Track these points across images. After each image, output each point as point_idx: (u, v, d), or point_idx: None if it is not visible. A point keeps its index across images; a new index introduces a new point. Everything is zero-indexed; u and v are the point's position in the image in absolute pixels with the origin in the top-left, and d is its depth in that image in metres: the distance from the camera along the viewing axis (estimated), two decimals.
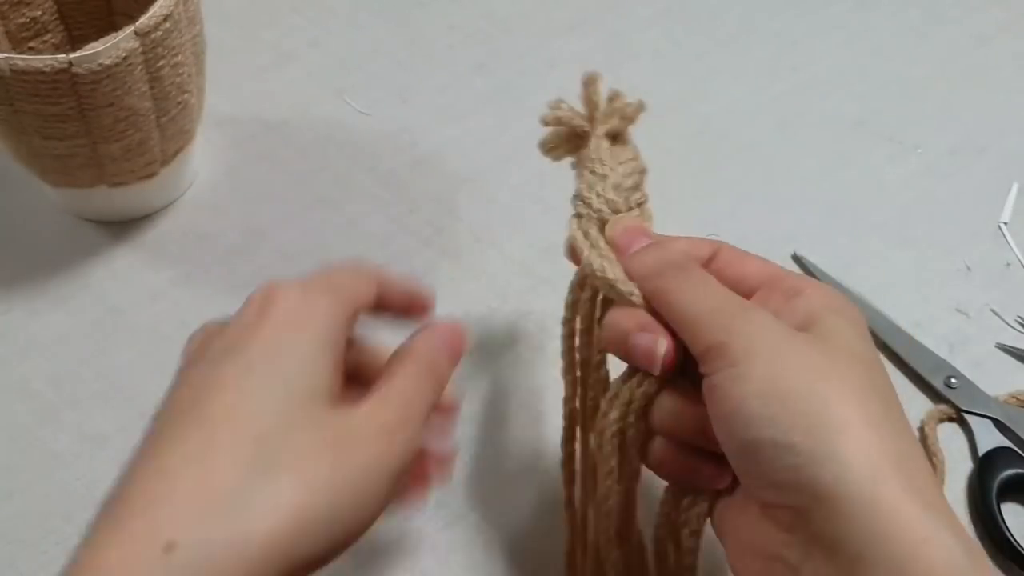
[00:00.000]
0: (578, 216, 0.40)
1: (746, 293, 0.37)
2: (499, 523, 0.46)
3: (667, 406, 0.36)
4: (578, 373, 0.41)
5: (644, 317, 0.36)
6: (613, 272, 0.38)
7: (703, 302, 0.35)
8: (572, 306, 0.40)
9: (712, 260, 0.39)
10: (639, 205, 0.41)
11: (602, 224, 0.40)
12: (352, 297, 0.36)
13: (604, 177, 0.41)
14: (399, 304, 0.40)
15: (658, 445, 0.37)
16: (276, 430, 0.31)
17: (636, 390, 0.36)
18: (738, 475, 0.34)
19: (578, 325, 0.40)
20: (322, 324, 0.34)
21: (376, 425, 0.33)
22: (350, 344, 0.36)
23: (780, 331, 0.34)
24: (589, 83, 0.44)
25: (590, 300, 0.39)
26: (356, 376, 0.37)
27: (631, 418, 0.37)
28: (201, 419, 0.31)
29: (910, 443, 0.32)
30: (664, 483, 0.38)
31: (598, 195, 0.40)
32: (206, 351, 0.35)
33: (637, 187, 0.41)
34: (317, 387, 0.33)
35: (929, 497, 0.31)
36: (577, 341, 0.41)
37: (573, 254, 0.40)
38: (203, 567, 0.28)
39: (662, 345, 0.35)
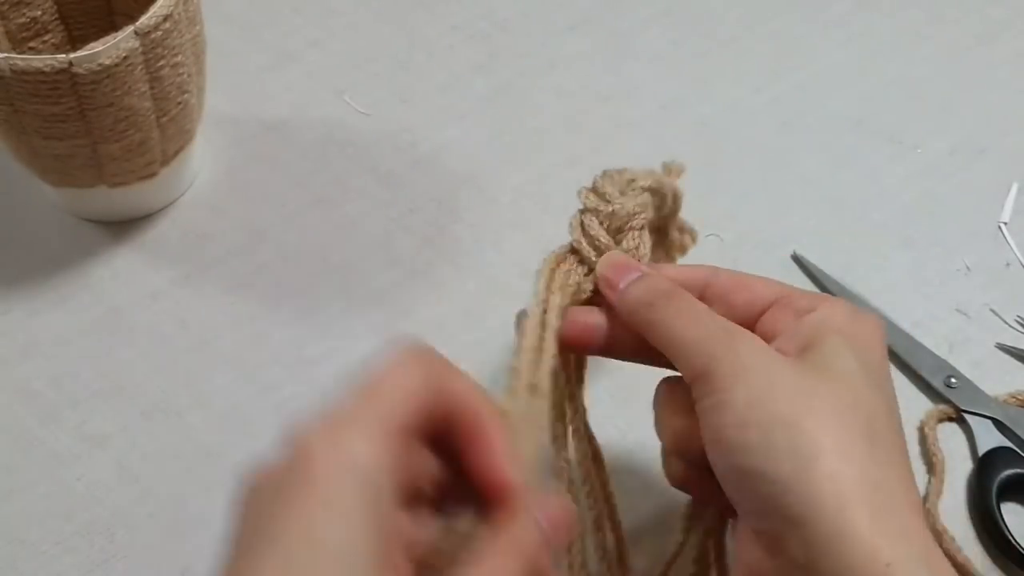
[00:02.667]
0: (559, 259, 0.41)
1: (757, 314, 0.37)
2: None
3: (673, 424, 0.37)
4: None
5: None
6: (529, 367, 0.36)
7: (691, 329, 0.35)
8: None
9: (708, 286, 0.39)
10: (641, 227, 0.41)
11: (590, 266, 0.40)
12: (397, 416, 0.30)
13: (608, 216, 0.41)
14: (463, 434, 0.32)
15: (674, 464, 0.38)
16: None
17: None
18: (728, 499, 0.35)
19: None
20: (357, 482, 0.28)
21: None
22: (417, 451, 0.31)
23: (766, 357, 0.34)
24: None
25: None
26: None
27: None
28: None
29: (888, 471, 0.33)
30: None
31: (593, 240, 0.40)
32: (253, 504, 0.29)
33: (639, 213, 0.41)
34: (361, 569, 0.28)
35: (901, 524, 0.32)
36: None
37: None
38: None
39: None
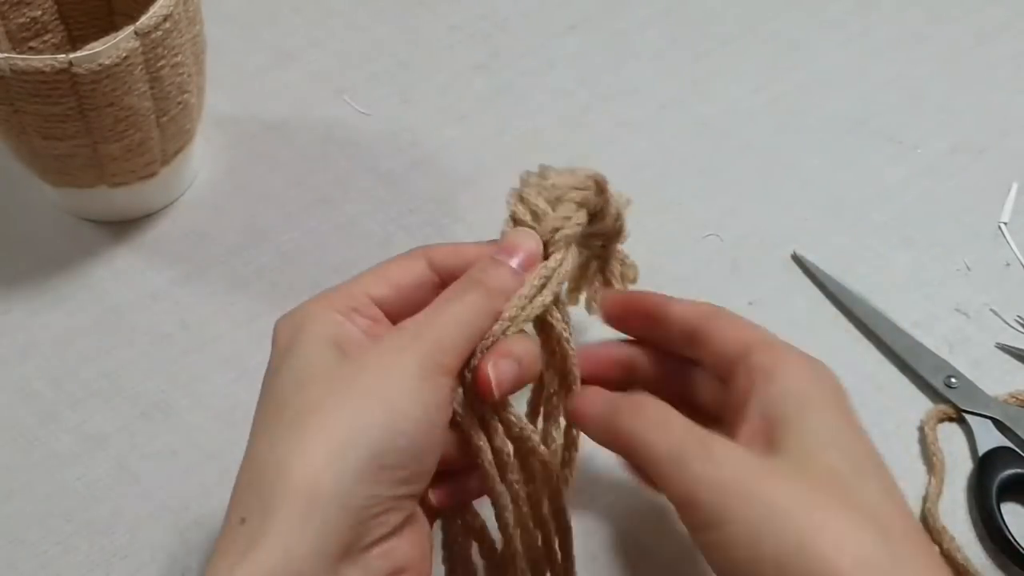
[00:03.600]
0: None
1: (731, 361, 0.37)
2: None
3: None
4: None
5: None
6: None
7: (661, 444, 0.34)
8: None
9: (706, 322, 0.39)
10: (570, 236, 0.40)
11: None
12: (346, 291, 0.38)
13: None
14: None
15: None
16: (295, 401, 0.34)
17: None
18: None
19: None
20: (316, 325, 0.36)
21: (391, 345, 0.35)
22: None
23: (748, 471, 0.33)
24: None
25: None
26: None
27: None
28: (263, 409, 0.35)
29: (901, 547, 0.32)
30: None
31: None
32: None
33: (569, 217, 0.40)
34: (323, 360, 0.35)
35: None
36: None
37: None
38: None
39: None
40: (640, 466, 0.35)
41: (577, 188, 0.40)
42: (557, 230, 0.39)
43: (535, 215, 0.39)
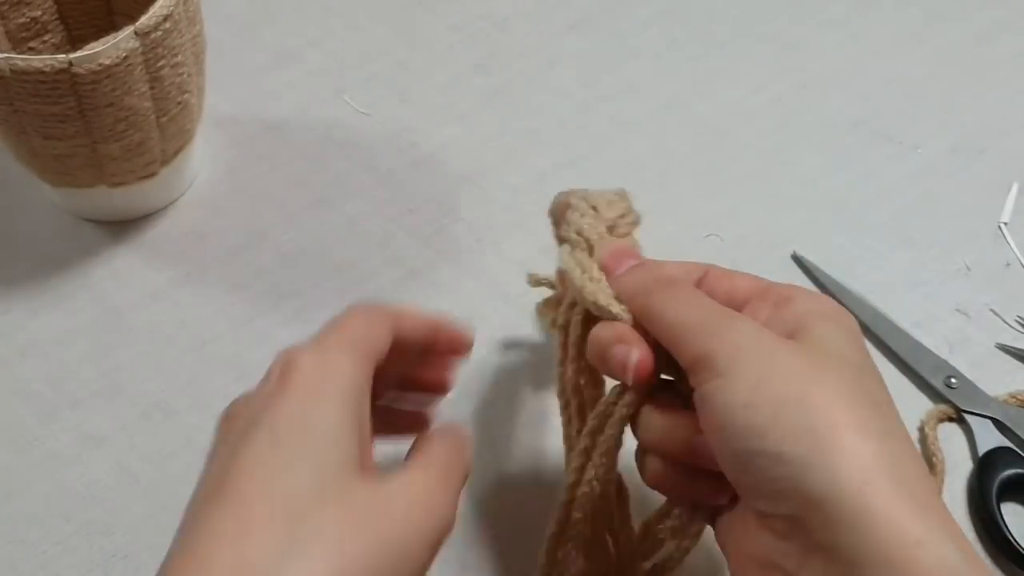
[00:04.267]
0: (571, 246, 0.41)
1: (737, 306, 0.37)
2: (497, 527, 0.46)
3: (655, 423, 0.37)
4: (572, 400, 0.41)
5: (623, 329, 0.37)
6: (603, 294, 0.38)
7: (689, 314, 0.35)
8: (563, 328, 0.41)
9: (702, 281, 0.39)
10: (627, 234, 0.41)
11: (591, 249, 0.40)
12: (370, 349, 0.35)
13: (595, 209, 0.41)
14: (421, 342, 0.38)
15: (652, 464, 0.37)
16: (308, 506, 0.30)
17: (617, 402, 0.37)
18: (733, 486, 0.34)
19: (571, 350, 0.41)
20: (344, 388, 0.33)
21: (412, 495, 0.32)
22: (374, 398, 0.36)
23: (766, 339, 0.34)
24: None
25: (582, 323, 0.40)
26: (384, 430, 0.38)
27: (610, 430, 0.37)
28: (233, 498, 0.30)
29: (902, 446, 0.32)
30: None
31: (589, 224, 0.41)
32: (233, 426, 0.33)
33: (625, 215, 0.42)
34: (345, 457, 0.31)
35: (922, 499, 0.31)
36: (570, 369, 0.41)
37: (562, 280, 0.40)
38: None
39: (634, 354, 0.36)
40: (663, 335, 0.36)
41: (629, 213, 0.42)
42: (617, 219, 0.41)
43: (592, 239, 0.40)
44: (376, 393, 0.36)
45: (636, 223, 0.42)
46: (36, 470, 0.48)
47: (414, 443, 0.36)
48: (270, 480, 0.30)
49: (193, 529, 0.31)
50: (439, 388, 0.41)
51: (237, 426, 0.33)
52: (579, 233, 0.40)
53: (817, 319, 0.35)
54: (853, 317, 0.37)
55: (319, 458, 0.31)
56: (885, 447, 0.31)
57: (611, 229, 0.41)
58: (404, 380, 0.40)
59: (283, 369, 0.33)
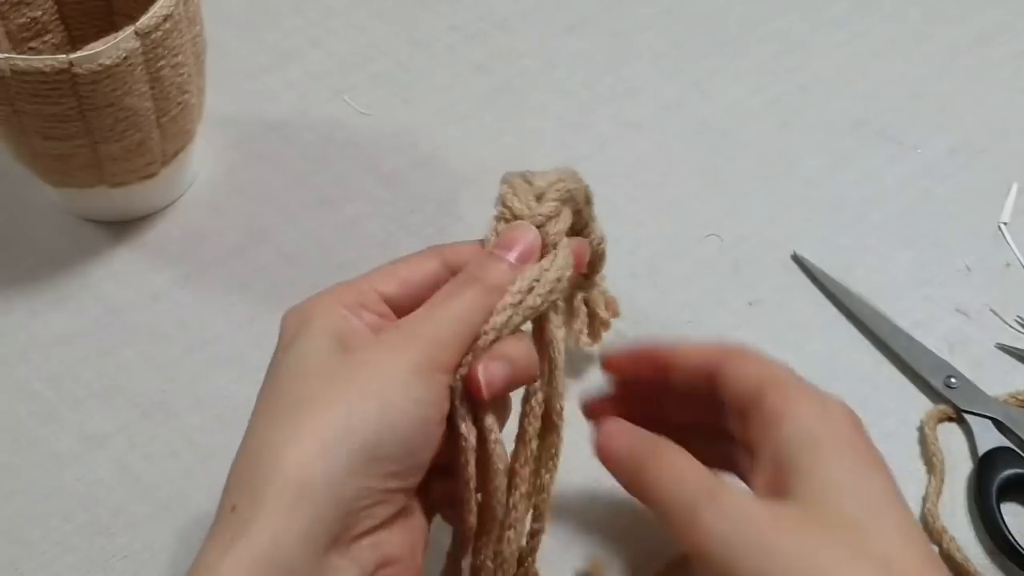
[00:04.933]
0: (495, 219, 0.40)
1: (746, 404, 0.37)
2: None
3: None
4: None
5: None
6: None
7: (675, 497, 0.35)
8: None
9: (722, 364, 0.38)
10: (557, 203, 0.40)
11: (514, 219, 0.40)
12: (355, 287, 0.38)
13: (528, 182, 0.41)
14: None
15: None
16: (292, 391, 0.34)
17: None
18: None
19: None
20: (321, 319, 0.36)
21: (388, 342, 0.35)
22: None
23: (756, 526, 0.33)
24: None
25: None
26: None
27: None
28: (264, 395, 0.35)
29: None
30: None
31: (514, 195, 0.40)
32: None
33: (556, 184, 0.40)
34: (324, 354, 0.35)
35: None
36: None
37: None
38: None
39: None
40: (657, 516, 0.36)
41: (559, 181, 0.40)
42: (544, 222, 0.39)
43: (519, 210, 0.39)
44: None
45: (574, 198, 0.41)
46: (36, 470, 0.48)
47: None
48: (272, 381, 0.36)
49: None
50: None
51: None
52: (503, 203, 0.40)
53: (810, 453, 0.34)
54: (847, 411, 0.36)
55: (302, 365, 0.35)
56: None
57: (539, 198, 0.40)
58: None
59: (281, 326, 0.38)
